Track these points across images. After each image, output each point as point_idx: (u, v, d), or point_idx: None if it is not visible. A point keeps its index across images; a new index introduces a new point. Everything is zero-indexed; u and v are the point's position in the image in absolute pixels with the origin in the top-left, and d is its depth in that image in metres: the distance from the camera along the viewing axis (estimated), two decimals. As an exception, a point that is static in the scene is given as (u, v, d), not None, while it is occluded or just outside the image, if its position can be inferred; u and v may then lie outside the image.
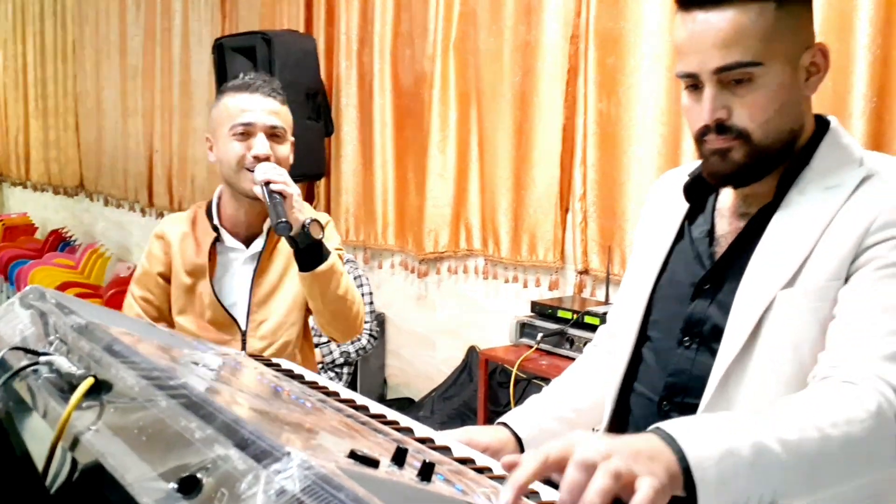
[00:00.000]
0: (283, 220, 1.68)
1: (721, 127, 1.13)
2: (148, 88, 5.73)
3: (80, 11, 6.59)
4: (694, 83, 1.14)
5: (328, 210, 4.17)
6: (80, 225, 7.07)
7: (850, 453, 0.93)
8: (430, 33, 3.61)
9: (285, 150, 1.89)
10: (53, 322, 1.10)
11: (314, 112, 3.73)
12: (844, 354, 1.02)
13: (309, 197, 4.29)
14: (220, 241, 1.93)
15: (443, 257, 3.69)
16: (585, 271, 3.10)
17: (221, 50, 3.81)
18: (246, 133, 1.84)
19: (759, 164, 1.14)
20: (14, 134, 7.81)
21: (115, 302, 4.92)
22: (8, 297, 6.78)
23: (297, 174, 3.60)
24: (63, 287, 5.27)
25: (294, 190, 1.75)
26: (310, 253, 1.76)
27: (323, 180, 4.17)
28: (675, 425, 0.85)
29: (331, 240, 1.94)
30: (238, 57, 3.76)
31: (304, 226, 1.72)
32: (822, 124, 1.20)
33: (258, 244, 1.94)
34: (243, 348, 1.89)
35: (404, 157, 3.84)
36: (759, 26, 1.08)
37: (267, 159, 1.81)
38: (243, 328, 1.91)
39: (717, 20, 1.09)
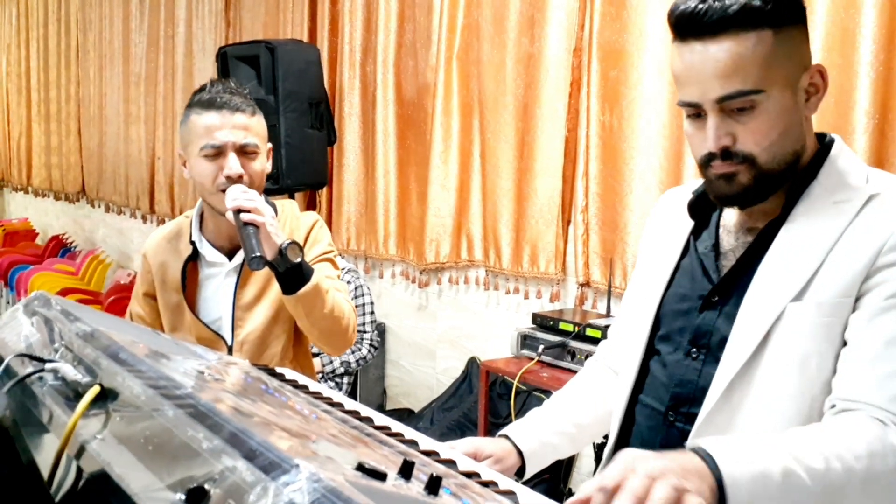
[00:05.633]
0: (255, 254, 1.62)
1: (726, 153, 1.14)
2: (151, 95, 5.75)
3: (84, 17, 6.61)
4: (697, 112, 1.15)
5: (329, 219, 4.17)
6: (80, 231, 7.08)
7: (871, 486, 0.99)
8: (433, 44, 3.63)
9: (258, 165, 1.82)
10: (59, 329, 1.10)
11: (317, 121, 3.74)
12: (864, 388, 1.05)
13: (311, 206, 4.30)
14: (201, 256, 1.90)
15: (444, 268, 3.69)
16: (587, 283, 3.11)
17: (225, 58, 3.82)
18: (217, 153, 1.78)
19: (765, 185, 1.16)
20: (16, 139, 7.82)
21: (116, 308, 4.92)
22: (8, 303, 6.75)
23: (299, 183, 3.67)
24: (63, 293, 5.26)
25: (266, 216, 1.68)
26: (291, 275, 1.70)
27: (325, 189, 4.18)
28: (712, 444, 0.92)
29: (318, 242, 1.89)
30: (241, 65, 3.76)
31: (280, 250, 1.67)
32: (823, 141, 1.21)
33: (240, 256, 1.87)
34: None
35: (406, 167, 3.85)
36: (757, 54, 1.10)
37: (240, 178, 1.77)
38: (229, 343, 1.86)
39: (716, 50, 1.10)
